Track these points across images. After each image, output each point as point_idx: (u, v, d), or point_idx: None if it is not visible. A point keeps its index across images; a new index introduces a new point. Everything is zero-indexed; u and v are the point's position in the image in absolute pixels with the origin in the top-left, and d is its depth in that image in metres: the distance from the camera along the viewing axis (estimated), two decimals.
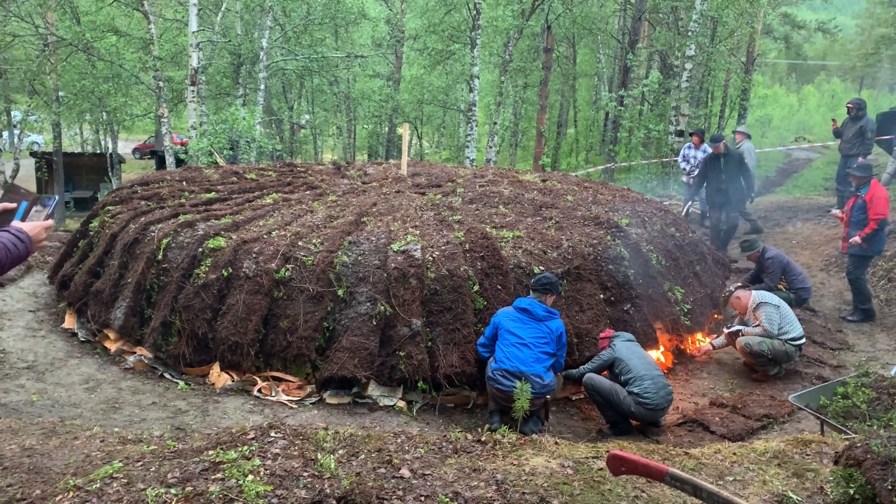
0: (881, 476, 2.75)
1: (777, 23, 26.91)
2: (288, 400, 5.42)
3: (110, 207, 7.53)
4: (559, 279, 6.12)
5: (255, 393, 5.49)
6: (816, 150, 20.92)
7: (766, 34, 25.98)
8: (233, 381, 5.62)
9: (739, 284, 7.03)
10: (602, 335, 5.78)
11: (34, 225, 2.41)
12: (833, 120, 11.68)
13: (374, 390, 5.48)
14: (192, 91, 14.71)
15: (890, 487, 2.66)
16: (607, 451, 2.92)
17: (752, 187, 10.13)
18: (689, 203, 12.03)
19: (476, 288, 5.82)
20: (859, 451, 2.89)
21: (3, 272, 2.24)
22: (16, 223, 2.38)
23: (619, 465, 2.47)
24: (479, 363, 5.50)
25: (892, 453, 2.77)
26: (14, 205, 2.43)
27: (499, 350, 5.20)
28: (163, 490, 2.82)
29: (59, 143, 20.68)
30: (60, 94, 18.44)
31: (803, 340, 6.49)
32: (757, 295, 6.66)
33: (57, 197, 2.64)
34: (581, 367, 5.67)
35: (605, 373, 5.54)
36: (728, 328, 6.84)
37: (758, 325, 6.46)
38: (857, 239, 7.71)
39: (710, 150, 10.47)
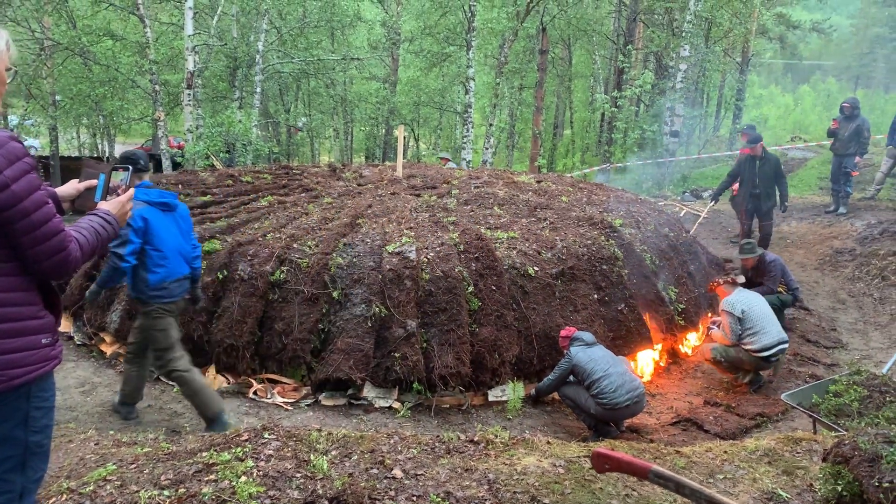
0: (868, 473, 2.77)
1: (772, 23, 26.94)
2: (283, 402, 5.43)
3: None
4: (554, 279, 6.15)
5: (251, 395, 5.51)
6: (812, 149, 20.98)
7: (761, 34, 26.01)
8: (228, 383, 5.63)
9: (729, 278, 6.66)
10: (563, 333, 5.58)
11: (116, 202, 2.40)
12: (834, 120, 11.43)
13: (369, 392, 5.50)
14: (189, 94, 14.72)
15: (877, 484, 2.68)
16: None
17: (785, 196, 9.53)
18: (712, 202, 11.03)
19: (471, 289, 5.83)
20: (847, 449, 2.92)
21: (93, 256, 2.23)
22: (100, 204, 2.36)
23: (603, 463, 2.49)
24: (475, 364, 5.52)
25: (879, 450, 2.79)
26: (96, 181, 2.40)
27: None
28: (156, 492, 2.84)
29: (56, 148, 20.64)
30: (57, 98, 18.41)
31: (780, 348, 6.05)
32: (725, 301, 6.29)
33: (130, 167, 2.57)
34: (545, 379, 5.58)
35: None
36: (710, 327, 6.85)
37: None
38: None
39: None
